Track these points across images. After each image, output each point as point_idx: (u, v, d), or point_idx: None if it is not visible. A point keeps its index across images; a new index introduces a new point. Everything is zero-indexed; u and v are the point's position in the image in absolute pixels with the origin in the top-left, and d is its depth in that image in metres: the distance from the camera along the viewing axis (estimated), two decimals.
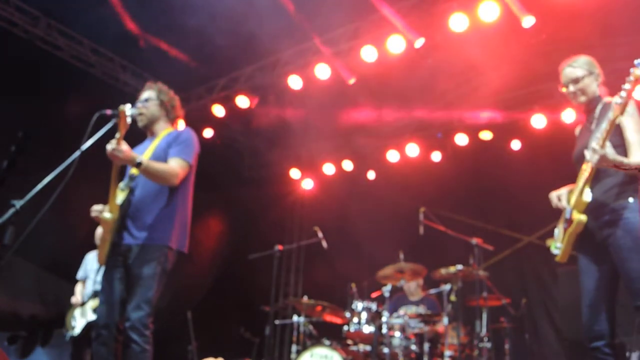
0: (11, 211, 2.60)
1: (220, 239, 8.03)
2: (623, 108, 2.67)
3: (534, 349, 6.23)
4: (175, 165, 3.21)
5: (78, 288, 5.42)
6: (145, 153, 3.31)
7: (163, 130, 3.44)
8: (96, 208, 3.21)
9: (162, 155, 3.26)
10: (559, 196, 3.14)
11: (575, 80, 3.09)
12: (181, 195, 3.31)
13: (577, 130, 3.30)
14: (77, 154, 2.90)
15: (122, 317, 3.08)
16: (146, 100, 3.42)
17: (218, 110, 7.72)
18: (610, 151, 2.70)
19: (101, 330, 3.07)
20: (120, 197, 3.19)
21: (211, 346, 6.64)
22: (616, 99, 2.70)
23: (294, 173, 9.19)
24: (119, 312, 3.10)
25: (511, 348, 5.65)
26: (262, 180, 8.80)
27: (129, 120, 3.06)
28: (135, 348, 2.95)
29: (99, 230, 5.22)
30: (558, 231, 3.14)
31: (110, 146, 2.99)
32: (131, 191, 3.22)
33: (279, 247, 6.33)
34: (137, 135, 3.21)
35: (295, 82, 6.97)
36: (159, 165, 3.16)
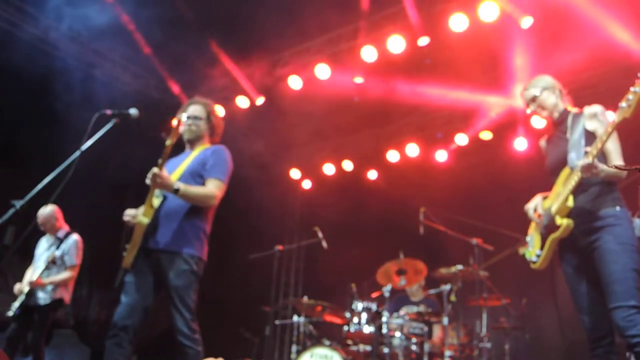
0: (11, 211, 2.60)
1: (221, 239, 8.01)
2: (632, 111, 2.73)
3: (534, 349, 6.22)
4: (213, 188, 3.28)
5: (28, 273, 5.44)
6: (181, 166, 3.39)
7: (201, 146, 3.53)
8: (129, 212, 3.27)
9: (197, 170, 3.34)
10: (536, 206, 3.26)
11: (533, 99, 3.31)
12: (211, 208, 3.37)
13: (543, 143, 3.45)
14: (77, 154, 2.92)
15: (140, 320, 3.13)
16: (196, 117, 3.52)
17: (218, 110, 7.70)
18: (596, 162, 2.82)
19: (119, 332, 3.09)
20: (156, 202, 3.25)
21: (211, 346, 6.63)
22: (622, 103, 2.76)
23: (294, 173, 9.19)
24: (140, 317, 3.14)
25: (511, 348, 5.65)
26: (262, 180, 8.80)
27: (181, 129, 3.21)
28: (189, 352, 3.07)
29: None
30: (532, 239, 3.25)
31: (152, 173, 3.09)
32: (165, 198, 3.28)
33: (279, 247, 6.33)
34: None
35: (295, 82, 6.97)
36: (196, 190, 3.23)
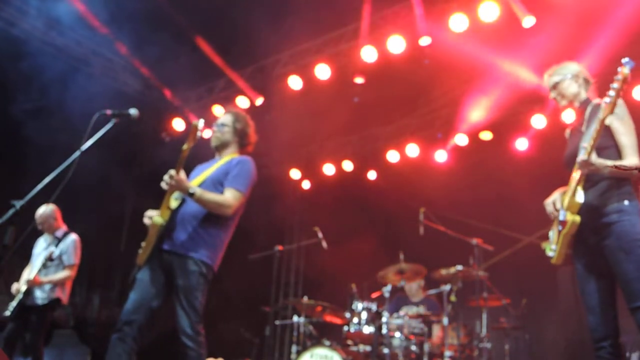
0: (11, 211, 2.60)
1: None
2: (612, 107, 2.72)
3: (534, 349, 6.22)
4: (230, 197, 3.28)
5: (25, 273, 5.41)
6: (205, 172, 3.41)
7: (228, 155, 3.54)
8: (149, 214, 3.26)
9: (219, 178, 3.35)
10: (554, 201, 3.16)
11: (554, 86, 3.22)
12: (229, 217, 3.36)
13: (568, 133, 3.36)
14: (76, 154, 2.91)
15: (147, 318, 3.14)
16: (222, 124, 3.56)
17: (218, 111, 7.72)
18: (594, 157, 2.77)
19: (124, 326, 3.10)
20: (173, 204, 3.25)
21: (211, 346, 6.62)
22: (605, 99, 2.75)
23: (294, 173, 9.19)
24: (147, 315, 3.14)
25: (511, 348, 5.65)
26: (262, 180, 8.79)
27: (198, 134, 3.20)
28: (191, 354, 3.10)
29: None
30: (552, 234, 3.17)
31: (168, 174, 3.10)
32: (184, 201, 3.28)
33: (279, 247, 6.32)
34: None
35: (295, 82, 6.97)
36: (212, 197, 3.23)
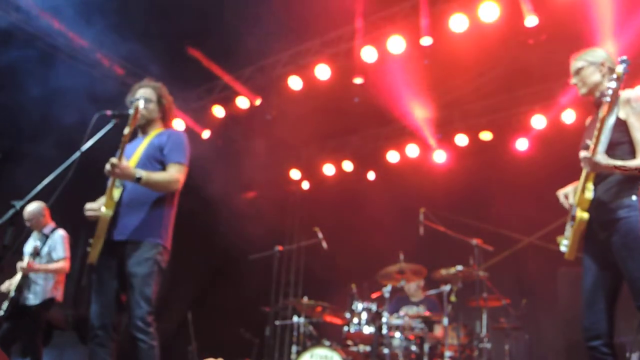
0: (11, 211, 2.60)
1: (221, 239, 8.02)
2: (610, 107, 2.69)
3: (534, 349, 6.22)
4: (175, 172, 3.24)
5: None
6: (136, 152, 3.30)
7: (154, 130, 3.45)
8: (90, 207, 3.17)
9: (154, 154, 3.27)
10: (566, 194, 3.12)
11: (576, 72, 3.10)
12: (172, 193, 3.31)
13: (588, 122, 3.25)
14: (77, 154, 2.91)
15: (117, 315, 3.09)
16: (147, 100, 3.42)
17: (218, 111, 7.72)
18: (599, 157, 2.73)
19: (97, 332, 3.05)
20: (116, 194, 3.16)
21: (211, 346, 6.63)
22: (605, 98, 2.72)
23: (294, 173, 9.19)
24: (114, 311, 3.10)
25: (511, 348, 5.65)
26: (262, 180, 8.80)
27: (139, 117, 3.14)
28: (142, 346, 2.95)
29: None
30: (567, 229, 3.10)
31: (110, 163, 3.00)
32: (124, 188, 3.20)
33: (279, 247, 6.32)
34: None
35: (295, 82, 6.97)
36: (159, 177, 3.18)
